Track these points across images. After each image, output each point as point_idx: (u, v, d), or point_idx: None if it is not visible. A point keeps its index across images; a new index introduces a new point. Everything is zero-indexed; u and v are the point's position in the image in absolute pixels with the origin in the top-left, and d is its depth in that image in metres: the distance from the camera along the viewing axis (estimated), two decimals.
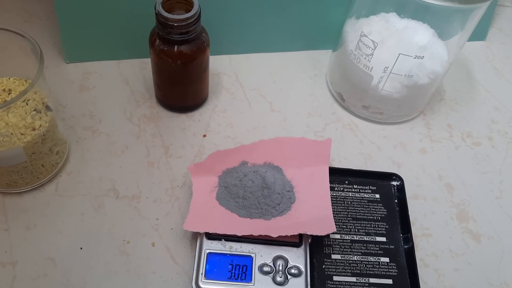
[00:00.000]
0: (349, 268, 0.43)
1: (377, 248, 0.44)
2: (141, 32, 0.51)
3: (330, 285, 0.42)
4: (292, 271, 0.41)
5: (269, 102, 0.55)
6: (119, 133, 0.51)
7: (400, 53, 0.47)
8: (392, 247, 0.45)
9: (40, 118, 0.43)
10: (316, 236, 0.43)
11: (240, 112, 0.54)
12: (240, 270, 0.41)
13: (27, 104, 0.42)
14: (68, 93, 0.54)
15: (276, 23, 0.57)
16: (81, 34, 0.54)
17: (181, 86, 0.50)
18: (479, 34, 0.63)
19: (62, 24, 0.53)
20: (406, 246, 0.45)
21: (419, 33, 0.48)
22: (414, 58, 0.47)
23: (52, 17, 0.58)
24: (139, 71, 0.56)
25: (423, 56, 0.47)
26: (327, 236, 0.44)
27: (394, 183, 0.48)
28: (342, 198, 0.47)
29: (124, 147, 0.50)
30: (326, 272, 0.43)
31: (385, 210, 0.47)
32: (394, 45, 0.47)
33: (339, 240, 0.45)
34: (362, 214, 0.46)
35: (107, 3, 0.52)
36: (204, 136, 0.52)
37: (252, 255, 0.42)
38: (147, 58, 0.55)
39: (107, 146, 0.50)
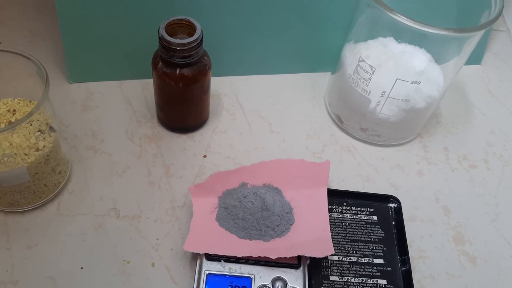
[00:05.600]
0: None
1: (375, 270, 0.45)
2: (143, 53, 0.52)
3: None
4: None
5: (269, 124, 0.56)
6: (121, 153, 0.52)
7: (397, 78, 0.48)
8: (390, 269, 0.45)
9: (44, 138, 0.43)
10: (315, 257, 0.43)
11: (240, 133, 0.55)
12: None
13: (31, 125, 0.43)
14: (71, 112, 0.54)
15: (276, 46, 0.58)
16: (85, 55, 0.55)
17: (182, 107, 0.51)
18: (474, 58, 0.64)
19: (66, 44, 0.54)
20: (403, 268, 0.45)
21: (416, 58, 0.49)
22: (411, 83, 0.48)
23: (56, 38, 0.59)
24: (141, 91, 0.57)
25: (420, 81, 0.48)
26: (325, 257, 0.45)
27: (392, 205, 0.49)
28: (340, 220, 0.48)
29: (125, 167, 0.51)
30: None
31: (383, 232, 0.47)
32: (392, 70, 0.48)
33: (337, 262, 0.45)
34: (360, 236, 0.47)
35: (111, 25, 0.53)
36: (205, 156, 0.53)
37: (251, 276, 0.42)
38: (149, 79, 0.56)
39: (108, 165, 0.51)
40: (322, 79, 0.61)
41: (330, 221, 0.47)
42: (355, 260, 0.45)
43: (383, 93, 0.49)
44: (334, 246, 0.45)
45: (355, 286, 0.44)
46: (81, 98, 0.56)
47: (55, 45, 0.59)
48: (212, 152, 0.53)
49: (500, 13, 0.45)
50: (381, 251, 0.46)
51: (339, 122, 0.56)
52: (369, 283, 0.44)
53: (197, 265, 0.43)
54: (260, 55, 0.59)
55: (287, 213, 0.45)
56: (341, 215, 0.48)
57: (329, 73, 0.59)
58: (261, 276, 0.42)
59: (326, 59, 0.60)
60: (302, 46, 0.59)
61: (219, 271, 0.42)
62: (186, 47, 0.45)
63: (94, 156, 0.51)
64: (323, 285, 0.44)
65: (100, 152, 0.52)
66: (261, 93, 0.59)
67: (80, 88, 0.57)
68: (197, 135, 0.54)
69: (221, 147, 0.54)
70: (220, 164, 0.52)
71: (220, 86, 0.59)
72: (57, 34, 0.54)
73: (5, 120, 0.45)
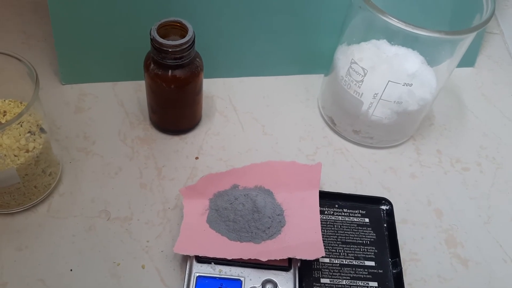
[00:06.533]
0: None
1: (366, 273, 0.45)
2: (137, 55, 0.52)
3: None
4: None
5: (262, 125, 0.56)
6: (113, 154, 0.52)
7: (389, 80, 0.48)
8: (381, 271, 0.45)
9: (34, 140, 0.43)
10: (306, 260, 0.43)
11: (233, 135, 0.55)
12: None
13: (21, 126, 0.43)
14: (63, 114, 0.54)
15: (269, 48, 0.58)
16: (77, 56, 0.55)
17: (175, 109, 0.51)
18: (468, 60, 0.64)
19: (58, 46, 0.54)
20: (394, 271, 0.45)
21: (409, 61, 0.49)
22: (403, 85, 0.48)
23: (49, 39, 0.59)
24: (134, 93, 0.57)
25: (412, 84, 0.48)
26: (316, 260, 0.45)
27: (384, 207, 0.49)
28: (332, 222, 0.48)
29: (117, 169, 0.51)
30: None
31: (374, 234, 0.47)
32: (384, 72, 0.48)
33: (328, 264, 0.45)
34: (352, 238, 0.47)
35: (104, 26, 0.53)
36: (197, 158, 0.52)
37: (241, 278, 0.42)
38: (142, 81, 0.56)
39: (100, 167, 0.51)
40: (316, 81, 0.60)
41: (321, 223, 0.47)
42: (346, 263, 0.45)
43: (375, 95, 0.49)
44: (325, 248, 0.45)
45: None
46: (73, 99, 0.56)
47: (49, 47, 0.59)
48: (205, 154, 0.53)
49: (491, 16, 0.45)
50: (373, 253, 0.46)
51: (332, 124, 0.56)
52: (360, 286, 0.44)
53: (187, 267, 0.43)
54: (254, 57, 0.59)
55: (278, 215, 0.45)
56: (333, 217, 0.48)
57: (323, 75, 0.59)
58: (251, 278, 0.42)
59: (320, 61, 0.59)
60: (296, 48, 0.59)
61: (209, 273, 0.42)
62: (177, 49, 0.45)
63: (85, 157, 0.51)
64: (314, 287, 0.43)
65: (92, 154, 0.52)
66: (254, 95, 0.59)
67: (72, 89, 0.57)
68: (190, 137, 0.54)
69: (213, 149, 0.53)
70: (212, 166, 0.52)
71: (213, 88, 0.59)
72: (51, 35, 0.54)
73: None
